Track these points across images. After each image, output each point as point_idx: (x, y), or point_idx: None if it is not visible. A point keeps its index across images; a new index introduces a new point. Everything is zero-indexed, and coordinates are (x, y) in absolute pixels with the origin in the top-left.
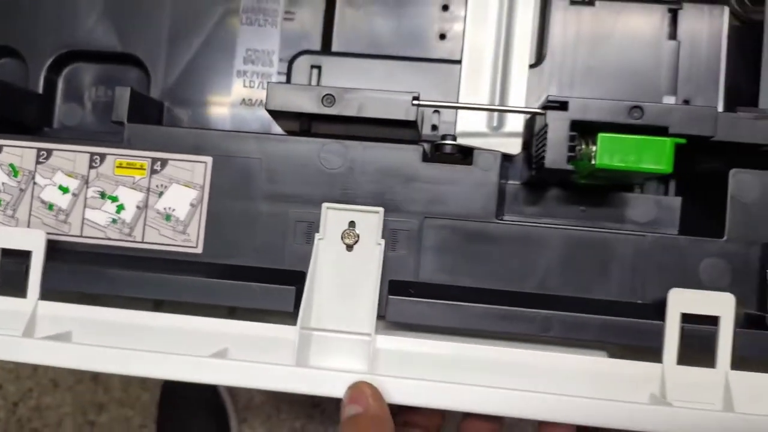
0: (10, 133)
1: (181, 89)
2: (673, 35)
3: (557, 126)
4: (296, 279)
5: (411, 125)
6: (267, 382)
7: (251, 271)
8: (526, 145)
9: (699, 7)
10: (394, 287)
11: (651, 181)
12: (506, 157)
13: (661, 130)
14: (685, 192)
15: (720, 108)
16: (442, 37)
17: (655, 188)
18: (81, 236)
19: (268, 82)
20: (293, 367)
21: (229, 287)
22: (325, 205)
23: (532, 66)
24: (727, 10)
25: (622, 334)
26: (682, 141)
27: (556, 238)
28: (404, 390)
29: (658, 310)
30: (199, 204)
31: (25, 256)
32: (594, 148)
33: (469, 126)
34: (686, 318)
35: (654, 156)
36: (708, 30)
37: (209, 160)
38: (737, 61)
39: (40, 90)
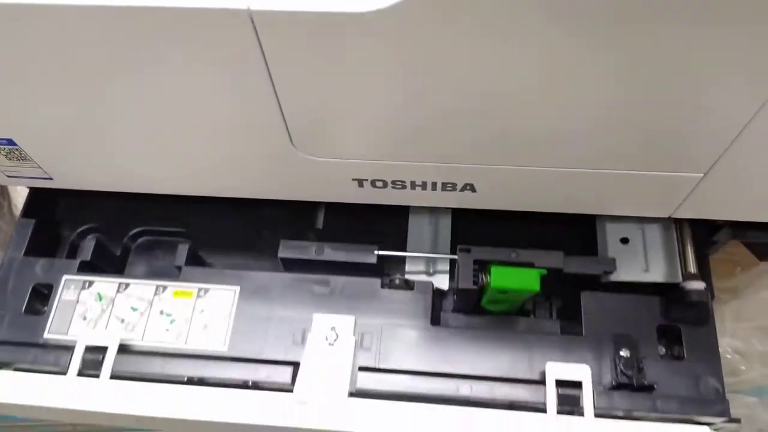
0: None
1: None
2: None
3: (465, 262)
4: (293, 365)
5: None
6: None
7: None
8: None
9: None
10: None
11: (540, 304)
12: (440, 292)
13: (530, 264)
14: (565, 309)
15: None
16: None
17: (544, 312)
18: (142, 340)
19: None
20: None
21: (243, 367)
22: (315, 314)
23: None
24: None
25: (516, 396)
26: (543, 271)
27: (469, 338)
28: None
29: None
30: (228, 318)
31: (103, 351)
32: (489, 277)
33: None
34: (560, 383)
35: (527, 280)
36: None
37: (237, 288)
38: None
39: (118, 252)
